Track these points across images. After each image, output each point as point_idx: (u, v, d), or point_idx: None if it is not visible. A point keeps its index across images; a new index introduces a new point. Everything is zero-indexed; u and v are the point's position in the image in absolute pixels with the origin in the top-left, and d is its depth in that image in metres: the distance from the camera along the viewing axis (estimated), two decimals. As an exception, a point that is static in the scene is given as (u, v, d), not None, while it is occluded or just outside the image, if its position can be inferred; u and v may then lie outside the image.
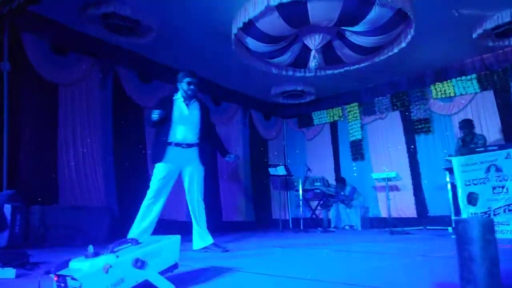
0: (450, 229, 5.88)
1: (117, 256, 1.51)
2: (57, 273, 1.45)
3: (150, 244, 1.67)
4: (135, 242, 1.69)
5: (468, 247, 1.04)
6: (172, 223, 6.35)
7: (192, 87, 3.68)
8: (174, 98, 3.75)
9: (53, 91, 5.43)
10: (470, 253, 1.04)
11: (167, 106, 3.66)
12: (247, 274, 2.20)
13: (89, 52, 5.81)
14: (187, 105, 3.73)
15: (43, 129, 5.23)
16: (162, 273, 1.66)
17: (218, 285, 1.88)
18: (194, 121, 3.73)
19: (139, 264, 1.54)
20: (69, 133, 5.51)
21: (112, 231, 4.97)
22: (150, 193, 3.55)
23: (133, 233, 3.44)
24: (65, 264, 1.49)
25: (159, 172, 3.58)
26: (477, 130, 6.99)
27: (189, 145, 3.67)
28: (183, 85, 3.70)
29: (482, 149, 4.94)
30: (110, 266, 1.45)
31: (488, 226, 1.02)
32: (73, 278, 1.39)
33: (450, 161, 5.14)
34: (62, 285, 1.44)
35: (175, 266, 1.77)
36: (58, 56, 5.46)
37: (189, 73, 3.73)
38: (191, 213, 3.70)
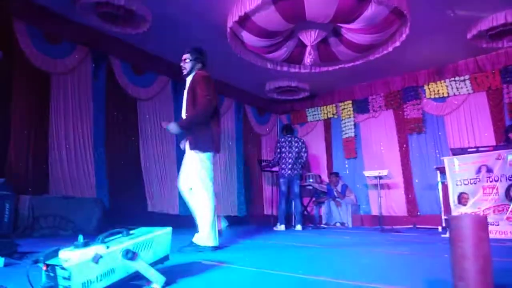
0: (439, 228, 5.93)
1: (108, 247, 1.49)
2: (46, 262, 1.43)
3: (141, 236, 1.65)
4: (126, 233, 1.67)
5: (461, 244, 1.04)
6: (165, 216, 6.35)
7: (181, 64, 3.43)
8: None
9: (45, 80, 5.36)
10: (463, 250, 1.04)
11: None
12: (236, 268, 2.20)
13: (82, 42, 5.73)
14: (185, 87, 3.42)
15: (35, 118, 5.17)
16: (153, 264, 1.65)
17: (208, 278, 1.87)
18: (183, 101, 3.37)
19: (130, 255, 1.52)
20: (61, 123, 5.45)
21: (102, 222, 4.94)
22: None
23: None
24: (55, 254, 1.47)
25: None
26: (469, 131, 7.10)
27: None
28: None
29: (474, 149, 4.99)
30: (100, 257, 1.43)
31: (482, 223, 1.03)
32: (62, 268, 1.37)
33: (442, 161, 5.19)
34: (51, 274, 1.42)
35: (166, 258, 1.75)
36: (50, 45, 5.38)
37: None
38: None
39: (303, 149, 6.53)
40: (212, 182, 3.23)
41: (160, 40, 6.13)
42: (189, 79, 3.38)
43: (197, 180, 3.17)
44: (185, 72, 3.41)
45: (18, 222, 4.23)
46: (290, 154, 6.43)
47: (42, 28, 5.26)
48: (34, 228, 4.38)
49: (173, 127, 3.16)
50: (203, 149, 3.21)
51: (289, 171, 6.39)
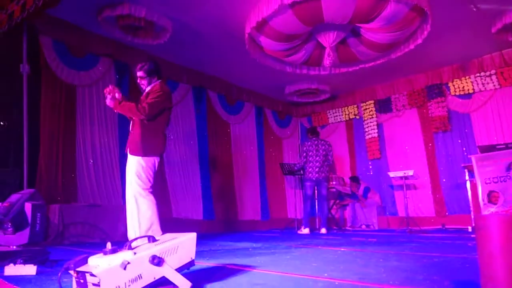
0: (469, 228, 5.76)
1: (135, 253, 1.53)
2: (76, 269, 1.48)
3: (167, 241, 1.68)
4: (152, 239, 1.71)
5: (489, 244, 1.02)
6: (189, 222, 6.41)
7: (138, 81, 3.59)
8: None
9: (71, 92, 5.54)
10: (490, 250, 1.02)
11: None
12: (261, 272, 2.20)
13: (106, 54, 5.89)
14: None
15: (62, 129, 5.34)
16: (178, 270, 1.67)
17: (233, 283, 1.89)
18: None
19: (156, 261, 1.55)
20: (87, 134, 5.61)
21: (129, 229, 5.04)
22: None
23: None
24: (84, 261, 1.52)
25: None
26: (497, 128, 6.86)
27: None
28: None
29: (503, 146, 4.84)
30: (128, 263, 1.47)
31: (509, 222, 1.00)
32: (92, 275, 1.41)
33: (469, 159, 5.04)
34: (81, 281, 1.46)
35: (191, 263, 1.77)
36: (75, 58, 5.56)
37: None
38: None
39: (330, 152, 6.49)
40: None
41: (180, 49, 6.23)
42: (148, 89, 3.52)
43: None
44: (144, 88, 3.54)
45: (49, 230, 4.38)
46: (317, 157, 6.38)
47: (67, 42, 5.45)
48: (64, 236, 4.53)
49: (110, 100, 3.32)
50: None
51: (317, 174, 6.34)
